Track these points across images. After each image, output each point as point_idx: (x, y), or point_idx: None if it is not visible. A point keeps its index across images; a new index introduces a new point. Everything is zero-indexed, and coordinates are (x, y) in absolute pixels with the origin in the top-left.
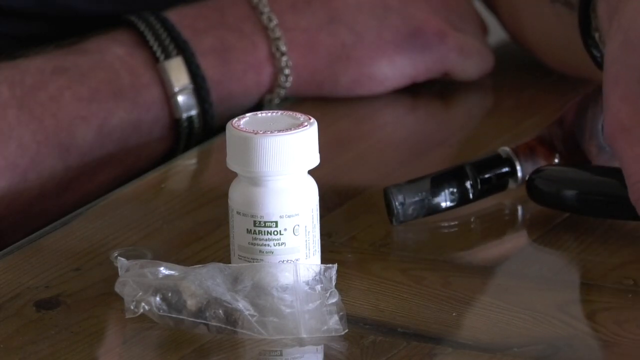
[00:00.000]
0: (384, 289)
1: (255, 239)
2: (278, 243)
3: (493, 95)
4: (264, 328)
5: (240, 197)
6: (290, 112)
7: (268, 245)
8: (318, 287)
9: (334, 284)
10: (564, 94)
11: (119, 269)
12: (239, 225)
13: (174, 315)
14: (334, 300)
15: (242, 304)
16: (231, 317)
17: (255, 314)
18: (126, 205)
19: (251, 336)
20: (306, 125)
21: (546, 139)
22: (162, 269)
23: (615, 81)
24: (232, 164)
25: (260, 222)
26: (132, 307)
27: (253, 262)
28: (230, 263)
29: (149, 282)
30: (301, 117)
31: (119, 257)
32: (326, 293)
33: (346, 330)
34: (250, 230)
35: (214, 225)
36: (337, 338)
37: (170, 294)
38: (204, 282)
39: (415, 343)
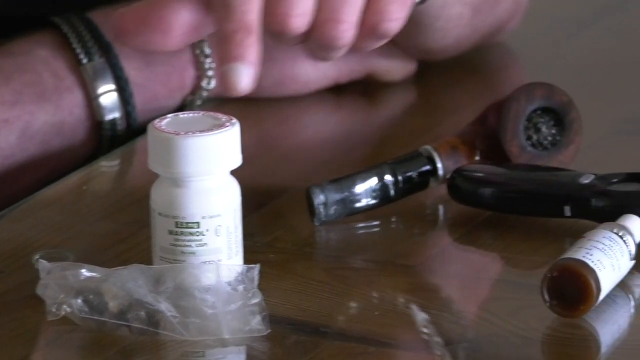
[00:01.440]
0: (307, 288)
1: (177, 240)
2: (200, 244)
3: (416, 95)
4: (186, 329)
5: (161, 198)
6: (212, 113)
7: (190, 246)
8: (240, 288)
9: (256, 284)
10: (486, 94)
11: (40, 272)
12: (161, 226)
13: (96, 317)
14: (256, 300)
15: (164, 306)
16: (153, 319)
17: (177, 315)
18: (48, 208)
19: (173, 337)
20: (228, 126)
21: (467, 138)
22: (83, 271)
23: None
24: (153, 164)
25: (182, 222)
26: (54, 310)
27: (174, 263)
28: (151, 265)
29: (71, 285)
30: (223, 117)
31: (40, 260)
32: (248, 293)
33: (269, 331)
34: (172, 231)
35: (136, 227)
36: (260, 338)
37: (92, 296)
38: (126, 283)
39: (338, 342)
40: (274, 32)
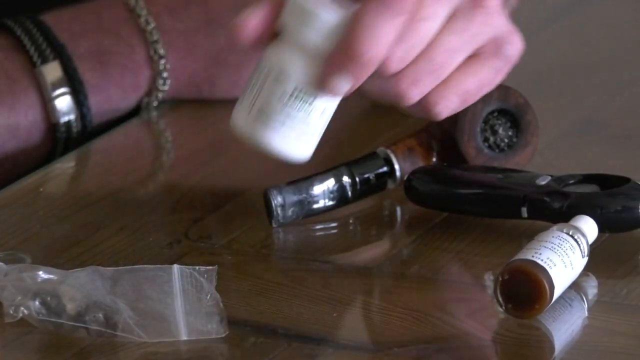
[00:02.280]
0: (264, 290)
1: (290, 106)
2: (307, 116)
3: None
4: (143, 331)
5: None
6: None
7: (299, 114)
8: (198, 290)
9: (214, 286)
10: None
11: None
12: (276, 86)
13: (53, 320)
14: (214, 302)
15: (121, 307)
16: (111, 321)
17: (135, 317)
18: (4, 210)
19: (131, 339)
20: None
21: (424, 139)
22: (41, 273)
23: None
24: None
25: (297, 92)
26: (11, 312)
27: (277, 124)
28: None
29: (28, 287)
30: None
31: None
32: (206, 295)
33: (227, 333)
34: (289, 94)
35: (92, 229)
36: (218, 340)
37: (49, 298)
38: (84, 286)
39: (296, 344)
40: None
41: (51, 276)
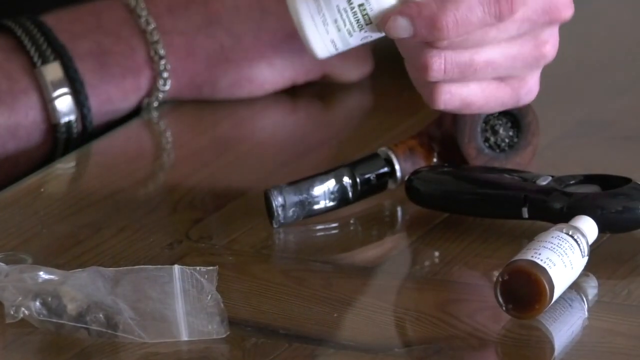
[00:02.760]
0: (265, 291)
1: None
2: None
3: (373, 96)
4: (144, 331)
5: None
6: None
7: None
8: (199, 290)
9: (215, 286)
10: None
11: None
12: None
13: (54, 320)
14: (214, 303)
15: (122, 308)
16: (112, 321)
17: (135, 317)
18: (5, 210)
19: (132, 340)
20: None
21: (425, 140)
22: (41, 273)
23: None
24: None
25: None
26: (12, 312)
27: (343, 25)
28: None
29: (29, 287)
30: None
31: None
32: (207, 296)
33: (228, 333)
34: None
35: (93, 229)
36: (219, 341)
37: (50, 299)
38: (84, 286)
39: (297, 344)
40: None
41: (52, 277)
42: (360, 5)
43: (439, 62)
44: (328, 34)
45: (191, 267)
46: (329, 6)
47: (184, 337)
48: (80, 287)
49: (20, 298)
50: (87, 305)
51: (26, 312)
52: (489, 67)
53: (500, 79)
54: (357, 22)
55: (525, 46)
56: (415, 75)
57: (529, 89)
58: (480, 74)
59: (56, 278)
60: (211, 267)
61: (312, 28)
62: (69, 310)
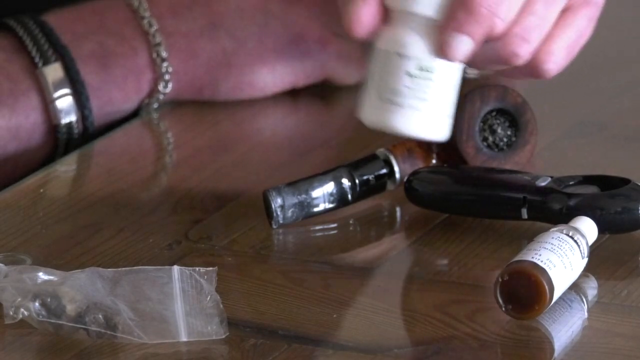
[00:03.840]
0: (264, 291)
1: (413, 83)
2: (434, 93)
3: None
4: (144, 332)
5: (405, 39)
6: None
7: (425, 93)
8: (198, 291)
9: (214, 287)
10: None
11: None
12: (396, 66)
13: (53, 321)
14: (214, 303)
15: (121, 309)
16: (111, 322)
17: (135, 318)
18: (4, 211)
19: (131, 341)
20: None
21: (423, 140)
22: (41, 274)
23: None
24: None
25: (421, 66)
26: (11, 313)
27: (405, 107)
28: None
29: (28, 288)
30: None
31: None
32: (206, 297)
33: (227, 334)
34: (411, 74)
35: (93, 230)
36: (218, 342)
37: (49, 299)
38: (84, 287)
39: (296, 345)
40: (476, 27)
41: (51, 277)
42: (415, 67)
43: (517, 40)
44: (422, 109)
45: (190, 268)
46: (399, 94)
47: (183, 338)
48: (80, 288)
49: (19, 299)
50: (86, 306)
51: (25, 312)
52: (550, 4)
53: (566, 9)
54: (426, 78)
55: None
56: (515, 72)
57: None
58: (551, 14)
59: (55, 279)
60: (210, 268)
61: (409, 121)
62: (68, 311)
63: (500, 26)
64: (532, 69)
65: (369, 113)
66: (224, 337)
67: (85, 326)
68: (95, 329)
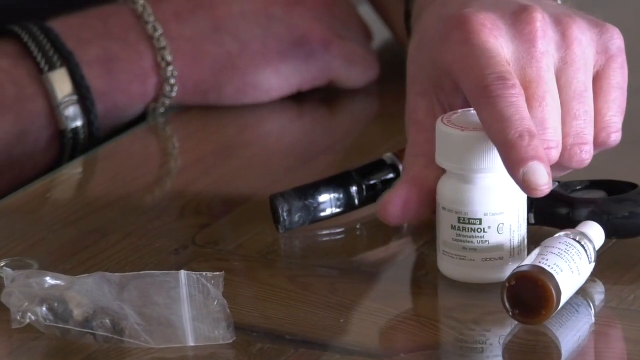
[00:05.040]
0: (271, 296)
1: (459, 235)
2: (481, 240)
3: (378, 102)
4: (150, 337)
5: (446, 193)
6: None
7: (471, 242)
8: (205, 295)
9: (220, 291)
10: None
11: (4, 279)
12: (444, 220)
13: (60, 325)
14: (220, 308)
15: (128, 313)
16: (118, 326)
17: (141, 322)
18: (11, 215)
19: (138, 345)
20: None
21: None
22: (48, 278)
23: (413, 79)
24: (440, 159)
25: (464, 218)
26: (18, 318)
27: (456, 258)
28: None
29: (35, 292)
30: None
31: (4, 268)
32: (213, 301)
33: (234, 338)
34: (455, 226)
35: (99, 235)
36: (225, 346)
37: (56, 304)
38: (90, 291)
39: (303, 350)
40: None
41: (58, 282)
42: (459, 218)
43: (578, 149)
44: (477, 259)
45: (197, 272)
46: (452, 246)
47: (190, 343)
48: (87, 293)
49: (26, 303)
50: (93, 311)
51: (32, 317)
52: (582, 94)
53: (595, 77)
54: (473, 228)
55: (562, 54)
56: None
57: (608, 45)
58: (587, 101)
59: (62, 283)
60: (217, 273)
61: (471, 271)
62: (75, 315)
63: (555, 154)
64: (599, 147)
65: (442, 265)
66: (230, 341)
67: (92, 331)
68: (102, 334)
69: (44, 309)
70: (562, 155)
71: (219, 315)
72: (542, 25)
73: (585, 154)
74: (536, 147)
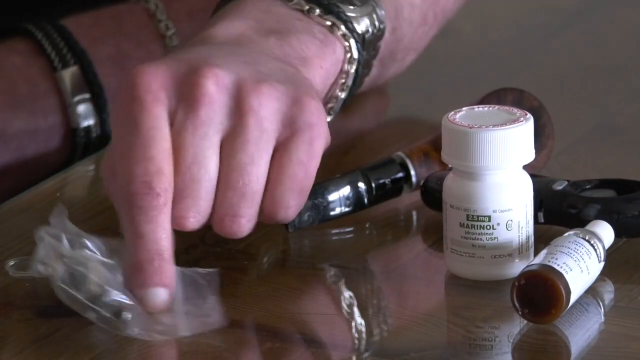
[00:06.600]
0: (280, 295)
1: (468, 232)
2: (490, 237)
3: (388, 101)
4: (149, 329)
5: (453, 190)
6: (506, 107)
7: (480, 239)
8: (197, 292)
9: (215, 288)
10: (457, 99)
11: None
12: (452, 218)
13: (72, 292)
14: (213, 304)
15: (135, 305)
16: (121, 312)
17: (144, 314)
18: (22, 214)
19: (135, 335)
20: (522, 121)
21: (440, 144)
22: (86, 241)
23: None
24: (447, 157)
25: (473, 215)
26: (39, 268)
27: (465, 256)
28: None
29: (64, 252)
30: (517, 112)
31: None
32: (205, 298)
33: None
34: (463, 223)
35: (110, 233)
36: (234, 344)
37: (78, 269)
38: (111, 271)
39: (313, 349)
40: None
41: (92, 253)
42: (467, 215)
43: (227, 218)
44: (484, 256)
45: (191, 269)
46: (460, 244)
47: (185, 333)
48: (106, 273)
49: (52, 256)
50: (104, 291)
51: (52, 272)
52: (246, 168)
53: (276, 150)
54: (480, 224)
55: (233, 124)
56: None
57: (297, 118)
58: (250, 177)
59: (92, 255)
60: (212, 270)
61: (479, 268)
62: (89, 288)
63: (191, 224)
64: (269, 221)
65: (449, 262)
66: (225, 325)
67: (97, 307)
68: (105, 314)
69: (64, 269)
70: (215, 224)
71: (211, 311)
72: (211, 92)
73: (238, 226)
74: (162, 271)
